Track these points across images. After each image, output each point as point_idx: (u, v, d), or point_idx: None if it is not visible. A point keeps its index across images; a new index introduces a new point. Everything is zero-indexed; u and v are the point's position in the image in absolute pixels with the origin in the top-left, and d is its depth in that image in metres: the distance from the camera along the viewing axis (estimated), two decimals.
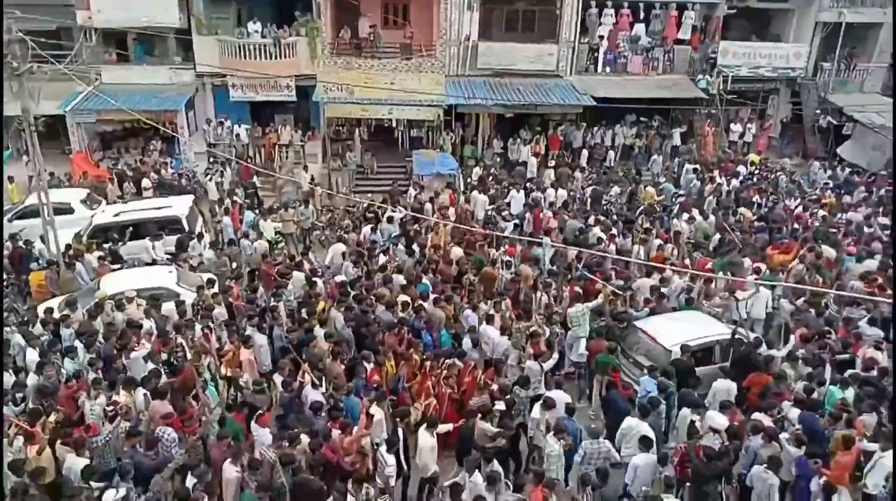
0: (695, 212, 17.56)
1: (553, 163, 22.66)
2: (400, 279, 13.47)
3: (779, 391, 10.18)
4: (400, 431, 9.31)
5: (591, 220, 16.98)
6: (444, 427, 9.50)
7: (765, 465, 8.67)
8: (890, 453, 8.77)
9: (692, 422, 9.52)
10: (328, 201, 19.79)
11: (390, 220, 16.67)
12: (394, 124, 22.92)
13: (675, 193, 19.90)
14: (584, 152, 23.29)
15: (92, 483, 7.92)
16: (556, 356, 10.96)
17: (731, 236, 16.22)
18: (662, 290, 13.15)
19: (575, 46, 23.91)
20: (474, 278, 13.83)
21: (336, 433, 8.98)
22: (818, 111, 25.89)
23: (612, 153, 23.89)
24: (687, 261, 15.39)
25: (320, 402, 9.53)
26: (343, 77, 21.70)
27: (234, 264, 14.95)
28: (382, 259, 14.37)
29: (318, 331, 11.39)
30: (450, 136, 22.82)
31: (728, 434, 9.15)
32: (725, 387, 10.29)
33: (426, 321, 11.71)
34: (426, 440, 9.06)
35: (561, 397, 9.82)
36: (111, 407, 9.14)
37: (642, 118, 24.80)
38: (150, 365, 10.24)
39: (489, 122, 23.88)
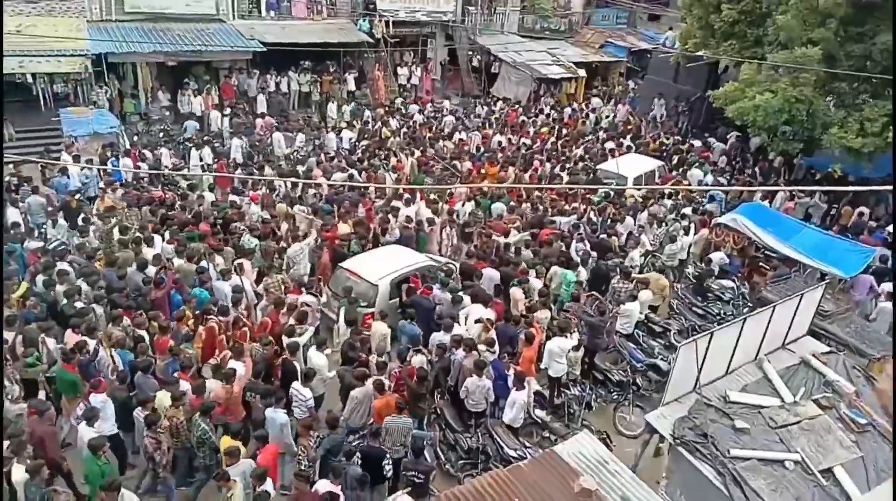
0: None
1: (228, 112, 21.36)
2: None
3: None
4: None
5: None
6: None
7: (474, 374, 9.37)
8: (555, 340, 10.20)
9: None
10: None
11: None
12: (29, 80, 19.34)
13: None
14: (262, 99, 22.37)
15: None
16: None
17: (444, 165, 18.00)
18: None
19: None
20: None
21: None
22: (470, 52, 28.44)
23: (292, 100, 23.48)
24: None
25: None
26: None
27: None
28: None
29: None
30: (104, 90, 20.09)
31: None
32: (490, 275, 11.74)
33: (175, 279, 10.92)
34: (319, 358, 9.38)
35: None
36: None
37: (314, 63, 24.68)
38: None
39: (149, 72, 21.56)
